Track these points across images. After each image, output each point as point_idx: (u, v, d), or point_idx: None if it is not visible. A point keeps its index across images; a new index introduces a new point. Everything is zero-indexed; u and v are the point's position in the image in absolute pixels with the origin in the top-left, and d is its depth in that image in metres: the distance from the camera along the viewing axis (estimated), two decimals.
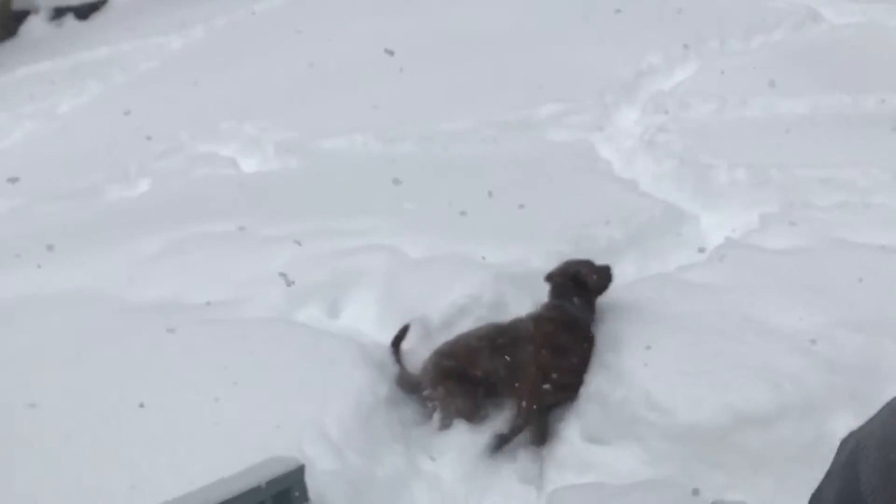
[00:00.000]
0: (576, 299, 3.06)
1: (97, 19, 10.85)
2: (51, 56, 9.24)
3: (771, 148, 4.69)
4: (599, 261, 3.27)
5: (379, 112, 5.85)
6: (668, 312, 3.15)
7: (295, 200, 4.77)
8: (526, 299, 3.35)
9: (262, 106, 6.42)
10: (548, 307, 3.10)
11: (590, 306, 3.11)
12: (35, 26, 10.99)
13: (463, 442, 2.88)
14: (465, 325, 3.22)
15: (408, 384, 3.01)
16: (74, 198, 5.55)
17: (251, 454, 2.40)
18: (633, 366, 2.89)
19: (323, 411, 2.72)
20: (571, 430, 2.94)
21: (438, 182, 4.75)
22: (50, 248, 4.05)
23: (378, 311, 3.50)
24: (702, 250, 3.76)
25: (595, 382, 2.95)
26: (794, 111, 5.25)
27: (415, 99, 6.08)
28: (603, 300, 3.22)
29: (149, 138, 5.97)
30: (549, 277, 3.16)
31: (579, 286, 3.08)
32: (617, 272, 3.32)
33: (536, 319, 3.05)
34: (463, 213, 4.11)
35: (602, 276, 3.16)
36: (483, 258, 3.65)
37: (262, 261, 3.85)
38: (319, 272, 3.71)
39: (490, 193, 4.27)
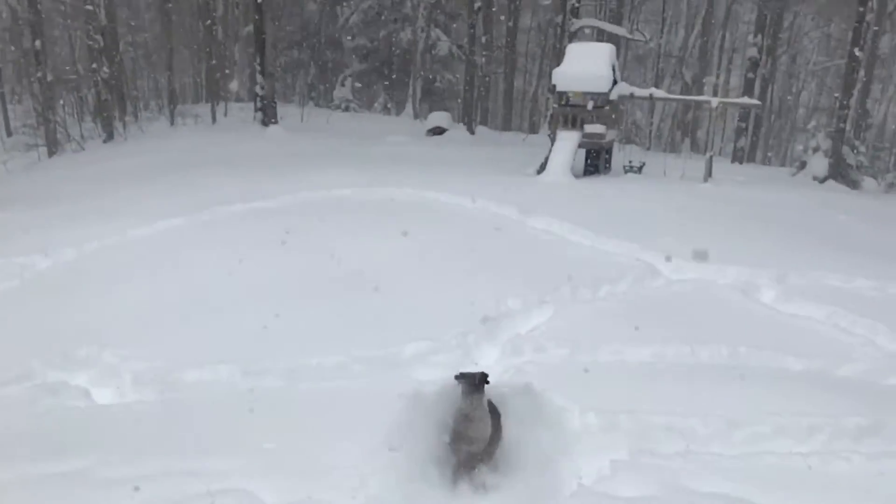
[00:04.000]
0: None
1: None
2: None
3: (619, 393, 4.99)
4: None
5: (247, 344, 5.85)
6: None
7: (147, 437, 4.53)
8: None
9: (126, 333, 6.24)
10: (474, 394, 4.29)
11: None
12: None
13: None
14: None
15: None
16: None
17: None
18: None
19: None
20: None
21: (302, 420, 4.69)
22: None
23: None
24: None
25: None
26: (639, 358, 5.69)
27: (284, 333, 6.12)
28: None
29: None
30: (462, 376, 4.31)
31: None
32: None
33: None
34: (323, 454, 4.05)
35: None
36: None
37: None
38: None
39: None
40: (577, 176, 14.72)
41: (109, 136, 20.14)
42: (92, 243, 8.63)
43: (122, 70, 22.45)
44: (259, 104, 22.11)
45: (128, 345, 5.95)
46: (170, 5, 23.75)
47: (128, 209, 10.19)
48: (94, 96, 21.54)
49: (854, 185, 17.95)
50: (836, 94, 20.41)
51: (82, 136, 19.91)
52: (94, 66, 20.43)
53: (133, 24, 25.99)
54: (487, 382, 4.28)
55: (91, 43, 20.41)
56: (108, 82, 20.47)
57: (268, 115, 21.54)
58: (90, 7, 20.11)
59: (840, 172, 18.12)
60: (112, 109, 20.88)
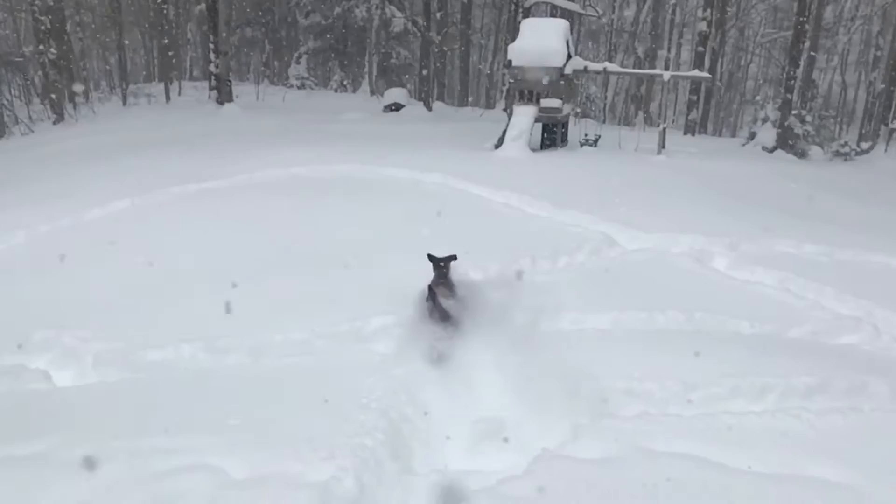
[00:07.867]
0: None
1: None
2: None
3: (580, 360, 5.11)
4: None
5: (209, 323, 5.81)
6: None
7: (110, 418, 4.50)
8: None
9: (84, 315, 6.16)
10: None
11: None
12: None
13: None
14: None
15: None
16: None
17: None
18: None
19: None
20: None
21: (267, 395, 4.71)
22: None
23: None
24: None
25: None
26: (598, 325, 5.81)
27: (246, 311, 6.09)
28: None
29: None
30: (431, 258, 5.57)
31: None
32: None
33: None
34: (291, 428, 4.07)
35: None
36: None
37: (65, 491, 3.55)
38: (134, 499, 3.48)
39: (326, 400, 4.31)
40: (534, 149, 14.82)
41: (59, 118, 19.60)
42: (44, 226, 8.45)
43: (70, 50, 21.79)
44: (213, 83, 21.71)
45: (87, 327, 5.88)
46: None
47: (81, 190, 9.98)
48: (41, 78, 20.91)
49: (802, 154, 18.38)
50: (783, 66, 20.81)
51: (31, 119, 19.34)
52: (41, 47, 19.81)
53: (81, 3, 25.21)
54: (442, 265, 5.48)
55: (37, 24, 19.76)
56: (55, 63, 19.86)
57: (223, 94, 21.16)
58: None
59: (788, 142, 18.55)
60: (61, 91, 20.30)
